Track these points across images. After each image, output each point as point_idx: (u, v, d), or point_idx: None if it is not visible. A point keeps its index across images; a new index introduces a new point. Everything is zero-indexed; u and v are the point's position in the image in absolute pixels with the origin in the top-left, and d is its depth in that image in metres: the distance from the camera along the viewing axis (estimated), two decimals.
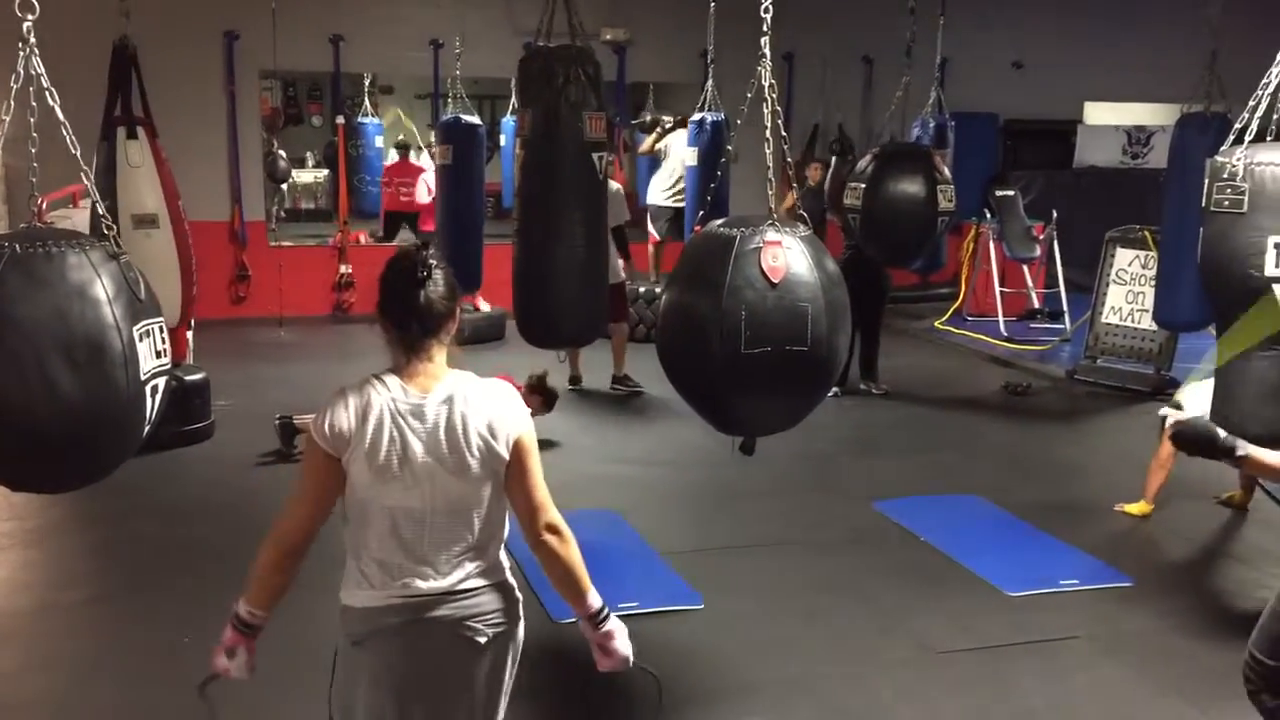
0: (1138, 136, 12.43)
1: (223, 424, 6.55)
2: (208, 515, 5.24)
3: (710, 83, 7.40)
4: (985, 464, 6.44)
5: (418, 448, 2.21)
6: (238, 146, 10.06)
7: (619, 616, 2.40)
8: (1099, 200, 10.97)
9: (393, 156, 13.09)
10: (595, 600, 2.34)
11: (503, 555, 2.38)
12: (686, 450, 6.28)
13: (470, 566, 2.29)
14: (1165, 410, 2.58)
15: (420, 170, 12.17)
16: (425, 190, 11.41)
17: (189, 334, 6.71)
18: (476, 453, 2.23)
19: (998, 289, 10.27)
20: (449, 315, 2.30)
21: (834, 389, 7.58)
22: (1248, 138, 3.82)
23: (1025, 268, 10.58)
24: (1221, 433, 2.82)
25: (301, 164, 16.42)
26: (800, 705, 3.68)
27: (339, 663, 2.34)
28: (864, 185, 7.05)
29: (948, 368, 9.01)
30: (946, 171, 7.25)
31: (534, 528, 2.31)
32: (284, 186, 14.87)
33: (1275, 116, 3.89)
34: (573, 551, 2.32)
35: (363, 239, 11.71)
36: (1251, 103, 3.87)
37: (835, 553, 4.98)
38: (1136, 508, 5.43)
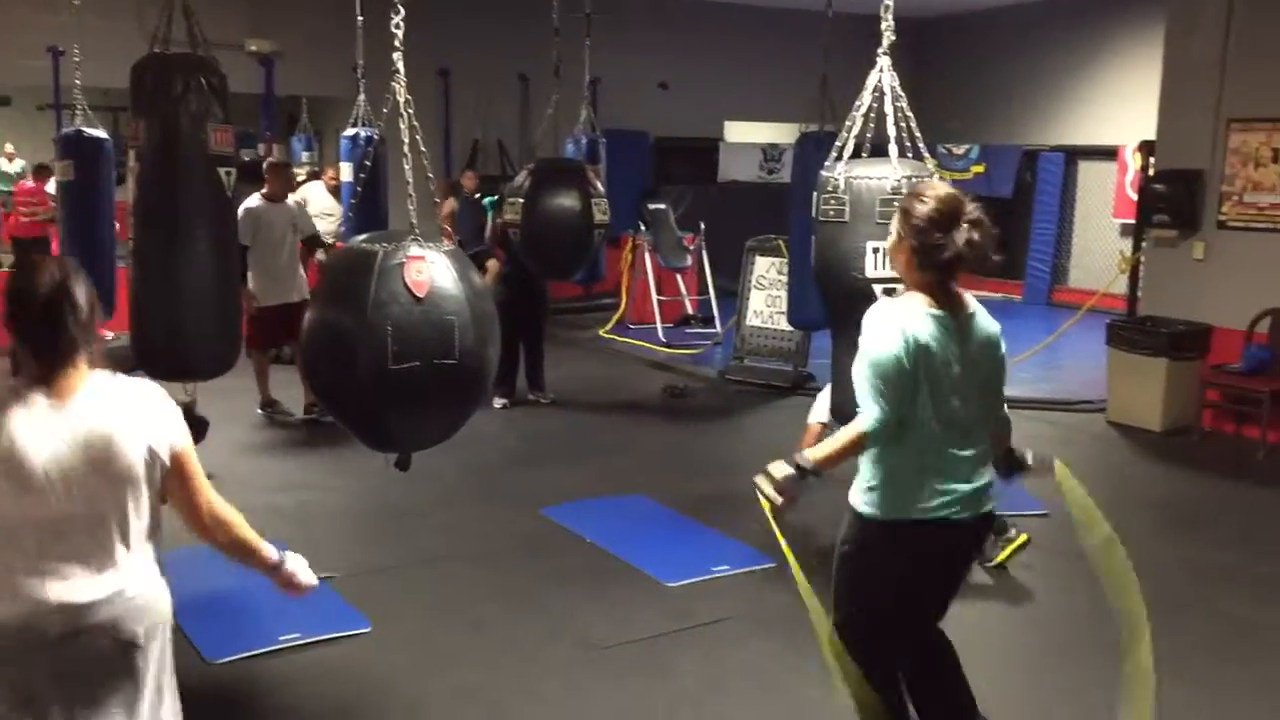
0: (772, 153, 13.52)
1: None
2: None
3: (362, 97, 7.28)
4: (648, 464, 6.75)
5: (61, 455, 2.11)
6: None
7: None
8: (742, 212, 11.83)
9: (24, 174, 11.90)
10: (270, 553, 2.49)
11: (154, 555, 2.32)
12: (346, 471, 6.14)
13: (123, 570, 2.21)
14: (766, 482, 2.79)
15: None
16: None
17: None
18: (126, 457, 2.18)
19: (655, 297, 10.81)
20: (92, 334, 2.22)
21: (502, 400, 7.73)
22: (846, 154, 4.27)
23: (679, 276, 11.20)
24: (791, 466, 2.88)
25: None
26: (467, 713, 3.71)
27: None
28: (521, 200, 7.20)
29: (612, 374, 9.36)
30: (600, 185, 7.53)
31: (200, 523, 2.38)
32: None
33: (869, 135, 4.38)
34: (237, 530, 2.42)
35: None
36: (848, 123, 4.33)
37: (503, 562, 5.04)
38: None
